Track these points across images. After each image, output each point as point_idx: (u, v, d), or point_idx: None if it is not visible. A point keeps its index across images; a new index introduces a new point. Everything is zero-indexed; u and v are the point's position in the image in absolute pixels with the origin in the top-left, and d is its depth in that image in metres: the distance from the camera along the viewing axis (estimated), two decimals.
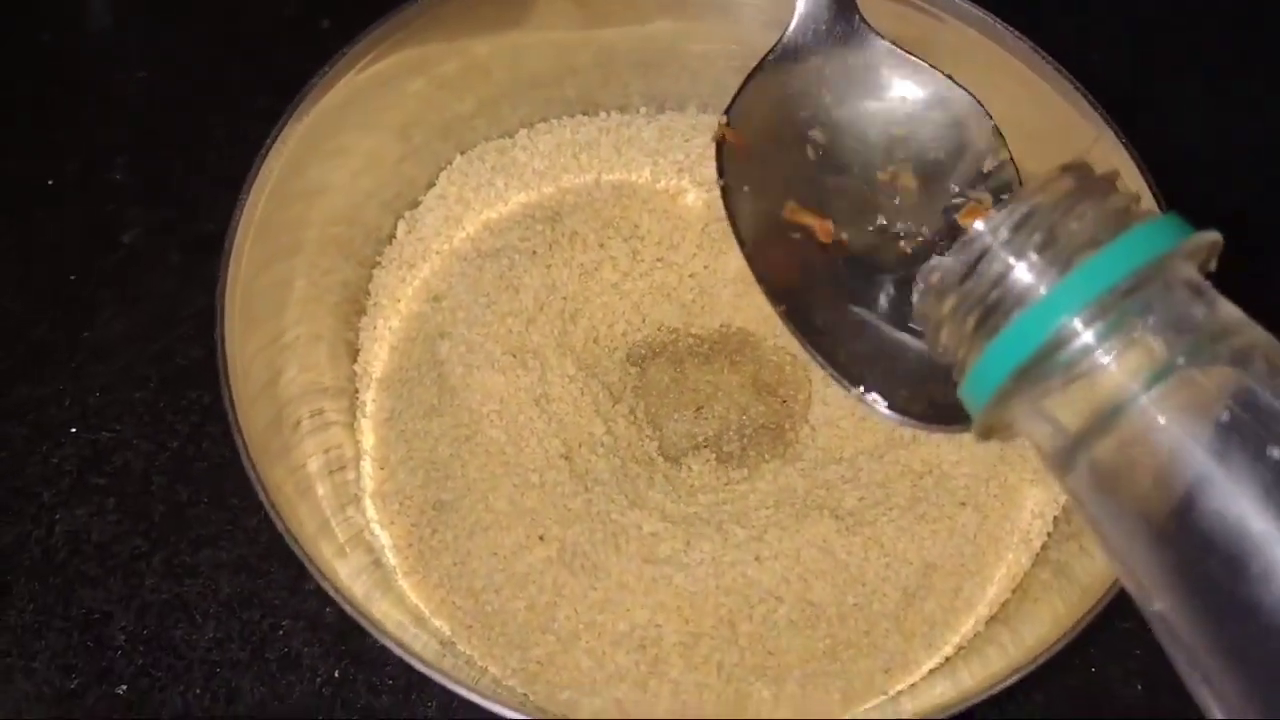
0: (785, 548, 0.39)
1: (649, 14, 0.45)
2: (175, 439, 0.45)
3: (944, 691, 0.37)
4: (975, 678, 0.36)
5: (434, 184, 0.46)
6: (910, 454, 0.41)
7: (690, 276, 0.45)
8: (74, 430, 0.45)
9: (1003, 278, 0.25)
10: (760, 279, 0.37)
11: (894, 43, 0.39)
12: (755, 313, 0.45)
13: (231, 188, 0.38)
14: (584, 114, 0.47)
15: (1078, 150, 0.39)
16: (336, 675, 0.41)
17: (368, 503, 0.41)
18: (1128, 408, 0.24)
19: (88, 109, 0.53)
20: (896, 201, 0.38)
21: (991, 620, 0.39)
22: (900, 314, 0.36)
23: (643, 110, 0.48)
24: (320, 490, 0.39)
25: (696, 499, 0.41)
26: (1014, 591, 0.40)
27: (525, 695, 0.38)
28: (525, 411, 0.41)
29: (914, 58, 0.39)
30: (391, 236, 0.45)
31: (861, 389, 0.35)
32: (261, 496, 0.34)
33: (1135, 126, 0.39)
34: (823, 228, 0.37)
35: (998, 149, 0.38)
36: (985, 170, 0.38)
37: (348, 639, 0.41)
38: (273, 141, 0.39)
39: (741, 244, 0.37)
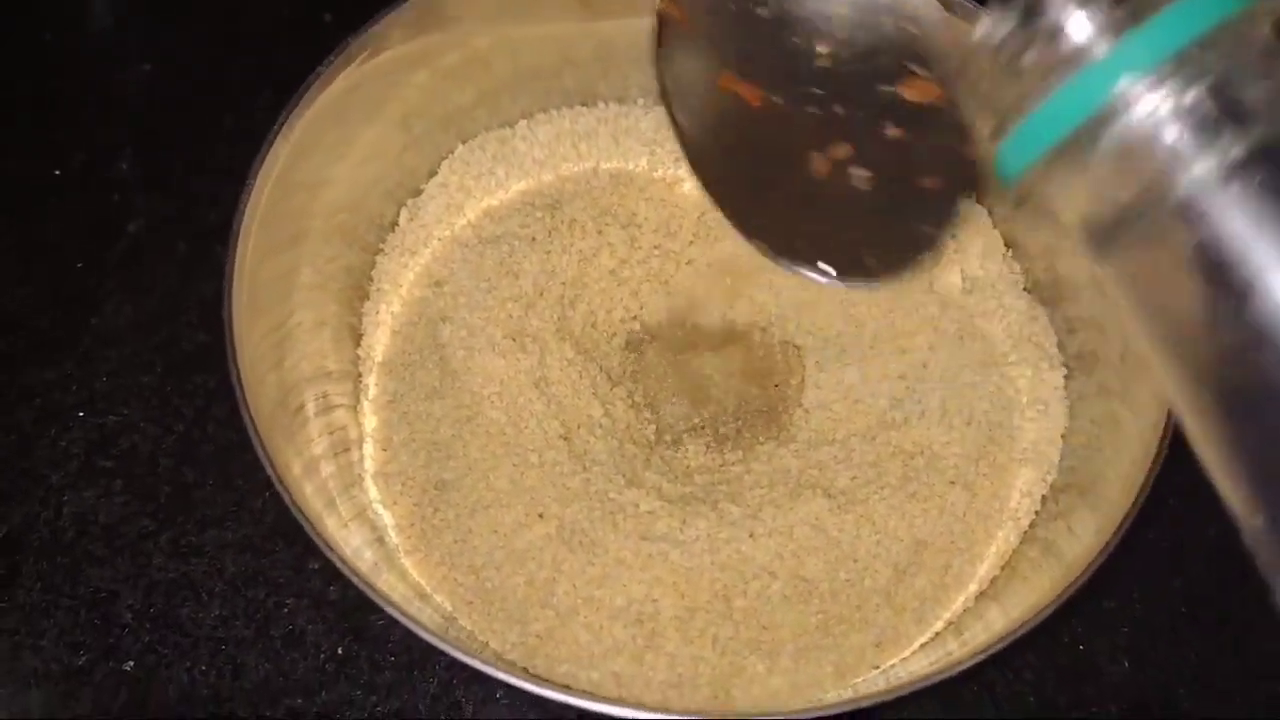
0: (779, 525, 0.40)
1: (647, 8, 0.45)
2: (181, 422, 0.45)
3: (934, 663, 0.38)
4: (964, 652, 0.37)
5: (436, 173, 0.47)
6: (901, 435, 0.42)
7: (687, 264, 0.46)
8: (81, 414, 0.45)
9: (1061, 29, 0.22)
10: (685, 145, 0.36)
11: None
12: (750, 301, 0.45)
13: (233, 183, 0.39)
14: (583, 105, 0.48)
15: None
16: (340, 652, 0.41)
17: (370, 483, 0.42)
18: (1188, 184, 0.21)
19: (89, 108, 0.53)
20: (839, 75, 0.37)
21: (980, 596, 0.40)
22: (834, 184, 0.35)
23: (640, 101, 0.48)
24: (325, 471, 0.40)
25: (692, 479, 0.42)
26: (1003, 569, 0.41)
27: (525, 669, 0.38)
28: (525, 394, 0.42)
29: None
30: (394, 224, 0.46)
31: (786, 257, 0.34)
32: (270, 472, 0.35)
33: None
34: (753, 94, 0.36)
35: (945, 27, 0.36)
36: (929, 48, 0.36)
37: (351, 616, 0.42)
38: (277, 131, 0.39)
39: (668, 107, 0.36)
